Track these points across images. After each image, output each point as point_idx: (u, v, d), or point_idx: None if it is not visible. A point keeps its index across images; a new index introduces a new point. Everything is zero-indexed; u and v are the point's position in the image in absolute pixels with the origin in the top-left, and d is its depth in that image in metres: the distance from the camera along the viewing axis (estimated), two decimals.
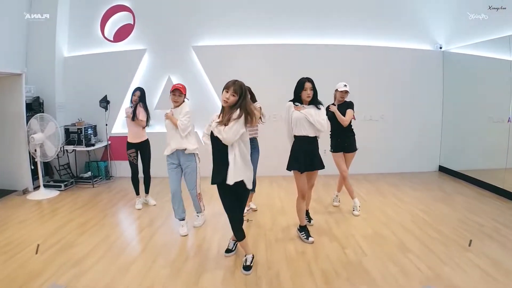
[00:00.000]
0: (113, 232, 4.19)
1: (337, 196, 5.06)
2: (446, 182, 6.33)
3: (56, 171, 6.64)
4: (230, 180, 2.94)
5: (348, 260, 3.42)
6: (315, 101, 3.75)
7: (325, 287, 2.94)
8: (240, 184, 3.01)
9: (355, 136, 4.65)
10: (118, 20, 6.93)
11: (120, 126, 6.88)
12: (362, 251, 3.60)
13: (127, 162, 5.11)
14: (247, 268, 3.20)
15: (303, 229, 3.92)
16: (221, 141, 2.92)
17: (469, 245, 3.69)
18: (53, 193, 5.82)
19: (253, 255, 3.37)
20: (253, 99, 4.54)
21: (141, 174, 5.11)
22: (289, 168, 3.79)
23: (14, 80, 5.86)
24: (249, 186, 3.10)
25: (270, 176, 6.37)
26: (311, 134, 3.71)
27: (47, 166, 6.56)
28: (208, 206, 4.80)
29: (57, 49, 6.78)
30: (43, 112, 6.33)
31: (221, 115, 3.03)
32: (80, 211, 4.94)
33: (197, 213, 4.39)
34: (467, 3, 6.20)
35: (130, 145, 5.01)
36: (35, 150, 5.73)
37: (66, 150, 6.48)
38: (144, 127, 5.03)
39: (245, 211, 4.26)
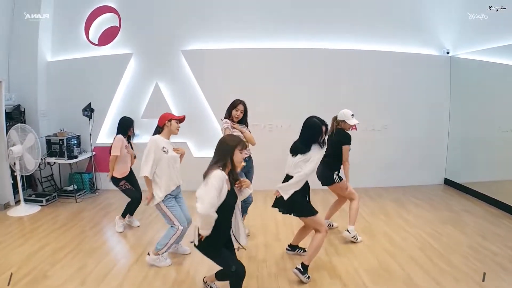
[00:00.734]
0: (89, 261, 3.82)
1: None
2: (453, 198, 5.99)
3: (40, 183, 6.29)
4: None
5: None
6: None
7: None
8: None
9: None
10: (103, 22, 6.55)
11: (105, 136, 6.54)
12: (364, 286, 3.25)
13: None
14: None
15: (306, 269, 3.39)
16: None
17: (483, 279, 3.34)
18: (34, 208, 5.51)
19: None
20: (245, 118, 4.19)
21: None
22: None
23: None
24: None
25: (264, 190, 6.00)
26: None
27: (29, 177, 6.19)
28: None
29: (40, 53, 6.41)
30: (24, 121, 6.02)
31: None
32: (58, 233, 4.60)
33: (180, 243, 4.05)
34: (474, 8, 5.81)
35: (119, 180, 4.67)
36: (14, 163, 5.38)
37: (48, 162, 6.11)
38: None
39: None
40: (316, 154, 3.32)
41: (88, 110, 6.17)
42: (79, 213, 5.40)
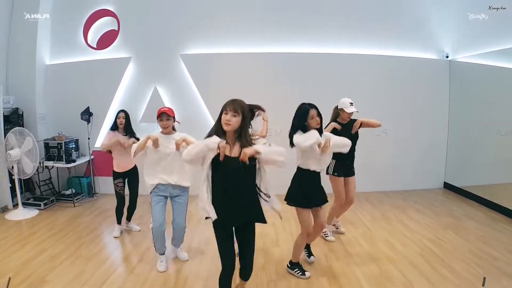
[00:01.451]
0: (87, 268, 3.80)
1: (337, 222, 4.68)
2: (453, 203, 5.99)
3: (38, 186, 6.28)
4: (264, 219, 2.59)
5: None
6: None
7: None
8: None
9: None
10: (101, 26, 6.54)
11: (103, 140, 6.49)
12: None
13: (112, 177, 4.71)
14: None
15: (295, 265, 3.54)
16: (239, 169, 2.39)
17: (483, 284, 3.32)
18: (32, 212, 5.50)
19: None
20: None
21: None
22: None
23: None
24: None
25: None
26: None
27: (27, 181, 6.17)
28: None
29: (38, 57, 6.41)
30: (22, 124, 6.01)
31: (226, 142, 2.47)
32: (56, 238, 4.57)
33: (180, 247, 4.05)
34: (474, 11, 5.82)
35: (118, 175, 4.62)
36: (12, 167, 5.38)
37: (46, 166, 6.10)
38: None
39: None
40: (297, 137, 3.25)
41: (87, 114, 6.16)
42: (78, 217, 5.38)
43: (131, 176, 4.67)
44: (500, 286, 3.34)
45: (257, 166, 2.51)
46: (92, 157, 6.46)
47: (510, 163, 5.33)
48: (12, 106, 6.04)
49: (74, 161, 6.09)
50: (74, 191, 6.19)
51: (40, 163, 5.70)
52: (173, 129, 3.77)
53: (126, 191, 4.69)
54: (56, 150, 6.01)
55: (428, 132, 6.69)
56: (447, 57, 6.61)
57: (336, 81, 6.30)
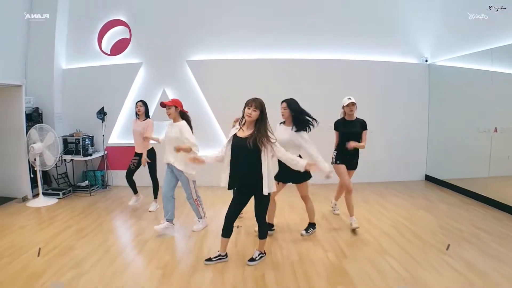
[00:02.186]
0: (110, 237, 4.42)
1: (335, 204, 5.32)
2: (431, 191, 6.62)
3: (54, 180, 6.85)
4: (265, 189, 3.32)
5: (329, 262, 3.68)
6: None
7: (306, 287, 3.19)
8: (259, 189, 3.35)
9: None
10: (114, 34, 7.23)
11: (116, 136, 7.16)
12: (343, 254, 3.86)
13: (124, 172, 5.41)
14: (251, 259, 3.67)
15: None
16: (246, 148, 3.25)
17: (447, 249, 3.91)
18: (51, 200, 6.01)
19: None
20: None
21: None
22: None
23: (14, 91, 6.07)
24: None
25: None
26: None
27: (45, 175, 6.75)
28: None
29: (56, 62, 7.04)
30: (42, 122, 6.55)
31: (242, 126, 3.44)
32: (78, 218, 5.15)
33: (198, 218, 4.69)
34: (452, 17, 6.56)
35: (135, 154, 5.46)
36: (35, 159, 5.93)
37: (64, 159, 6.70)
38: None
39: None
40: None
41: (102, 113, 6.79)
42: (95, 203, 5.98)
43: (151, 159, 5.45)
44: (462, 249, 3.93)
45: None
46: (106, 152, 7.10)
47: (488, 158, 5.76)
48: (33, 105, 6.65)
49: (90, 155, 6.72)
50: (89, 183, 6.79)
51: (59, 156, 6.29)
52: (183, 118, 4.53)
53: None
54: (74, 145, 6.63)
55: (409, 129, 7.37)
56: (426, 61, 7.32)
57: (326, 85, 6.98)
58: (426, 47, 7.32)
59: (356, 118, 4.63)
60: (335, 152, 4.69)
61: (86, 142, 6.75)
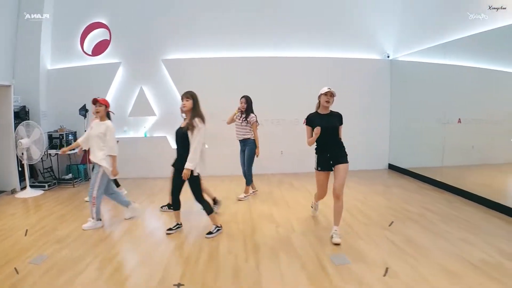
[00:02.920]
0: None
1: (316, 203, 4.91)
2: (392, 178, 7.13)
3: (40, 173, 7.31)
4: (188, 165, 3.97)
5: (278, 235, 4.24)
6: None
7: (252, 254, 3.72)
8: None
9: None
10: (96, 36, 7.71)
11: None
12: (292, 229, 4.43)
13: None
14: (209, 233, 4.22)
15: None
16: (182, 133, 4.02)
17: (389, 225, 4.31)
18: (38, 192, 6.48)
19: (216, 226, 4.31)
20: (250, 110, 5.54)
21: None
22: None
23: (3, 90, 6.45)
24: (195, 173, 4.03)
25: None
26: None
27: (32, 169, 7.18)
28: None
29: (42, 63, 7.49)
30: (28, 119, 6.98)
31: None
32: (61, 206, 5.65)
33: (91, 218, 4.67)
34: (412, 14, 7.10)
35: None
36: (22, 154, 6.36)
37: (50, 154, 7.16)
38: None
39: (243, 197, 5.75)
40: None
41: (83, 110, 7.28)
42: (77, 194, 6.49)
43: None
44: (405, 226, 4.31)
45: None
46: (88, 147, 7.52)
47: (450, 147, 6.00)
48: (20, 104, 7.09)
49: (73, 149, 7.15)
50: (72, 176, 7.29)
51: (45, 151, 6.78)
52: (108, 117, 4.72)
53: None
54: (58, 140, 7.13)
55: (372, 121, 7.94)
56: (388, 56, 7.88)
57: (295, 81, 7.51)
58: (388, 43, 7.87)
59: (331, 111, 4.24)
60: (316, 155, 4.26)
61: (70, 138, 7.24)
